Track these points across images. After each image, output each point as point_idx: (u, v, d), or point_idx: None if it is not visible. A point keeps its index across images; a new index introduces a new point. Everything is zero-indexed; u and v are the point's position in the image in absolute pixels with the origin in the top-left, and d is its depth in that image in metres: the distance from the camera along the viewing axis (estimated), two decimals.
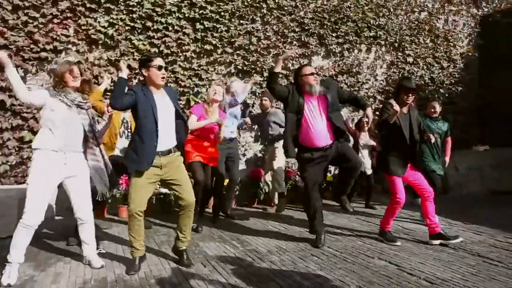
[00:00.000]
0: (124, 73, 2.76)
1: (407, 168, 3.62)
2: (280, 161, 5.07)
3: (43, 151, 2.67)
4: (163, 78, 2.84)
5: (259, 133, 5.56)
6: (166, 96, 2.92)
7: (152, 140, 2.73)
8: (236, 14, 5.81)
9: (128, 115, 3.80)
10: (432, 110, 4.60)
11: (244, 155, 5.92)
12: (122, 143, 3.77)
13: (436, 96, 7.37)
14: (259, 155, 5.94)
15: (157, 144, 2.75)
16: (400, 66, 7.31)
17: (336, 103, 3.49)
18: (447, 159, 4.66)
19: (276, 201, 5.27)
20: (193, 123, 3.87)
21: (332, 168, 6.06)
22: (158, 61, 2.82)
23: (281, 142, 4.93)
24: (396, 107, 3.39)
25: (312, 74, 3.40)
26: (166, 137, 2.82)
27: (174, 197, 3.19)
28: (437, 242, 3.55)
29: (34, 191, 2.61)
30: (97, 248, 3.07)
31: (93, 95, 3.78)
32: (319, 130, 3.39)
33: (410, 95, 3.59)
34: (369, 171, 5.37)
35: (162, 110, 2.80)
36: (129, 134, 3.83)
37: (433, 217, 3.62)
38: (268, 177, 5.34)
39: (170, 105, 2.89)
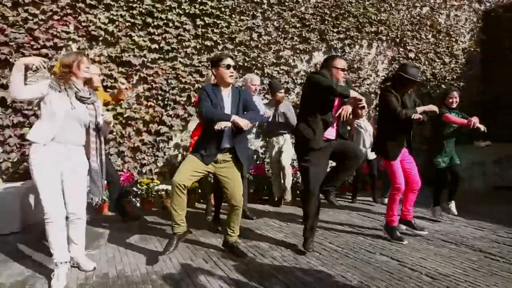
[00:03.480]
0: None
1: (402, 152, 3.63)
2: (289, 155, 4.91)
3: (41, 144, 2.49)
4: (231, 76, 3.00)
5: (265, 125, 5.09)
6: (232, 95, 3.03)
7: (218, 137, 2.91)
8: (237, 10, 5.79)
9: None
10: (452, 100, 4.40)
11: None
12: None
13: (437, 91, 7.35)
14: (260, 151, 5.93)
15: (221, 142, 2.93)
16: (401, 62, 7.28)
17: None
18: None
19: (288, 196, 5.02)
20: None
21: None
22: (227, 61, 2.98)
23: (287, 135, 4.91)
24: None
25: (343, 70, 3.19)
26: (227, 135, 2.95)
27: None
28: (404, 227, 3.78)
29: (44, 186, 2.48)
30: (86, 249, 2.92)
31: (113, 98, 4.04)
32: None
33: (413, 87, 3.56)
34: (372, 156, 5.20)
35: (228, 109, 2.96)
36: None
37: (410, 207, 3.75)
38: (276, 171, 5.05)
39: (235, 105, 3.00)
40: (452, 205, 4.62)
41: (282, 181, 5.00)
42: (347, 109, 3.11)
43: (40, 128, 2.54)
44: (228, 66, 2.96)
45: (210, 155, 2.95)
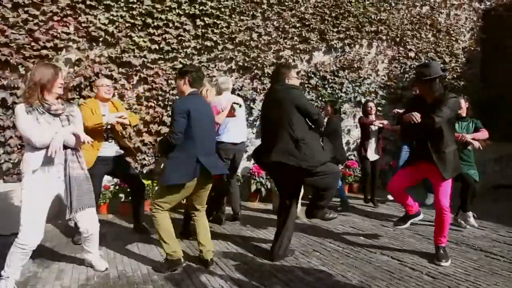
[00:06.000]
0: None
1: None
2: None
3: (33, 173, 2.42)
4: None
5: None
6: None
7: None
8: (237, 10, 5.78)
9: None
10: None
11: (245, 151, 5.91)
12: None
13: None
14: None
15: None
16: (401, 61, 7.27)
17: None
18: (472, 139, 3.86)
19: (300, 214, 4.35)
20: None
21: None
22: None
23: None
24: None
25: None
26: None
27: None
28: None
29: (30, 210, 2.40)
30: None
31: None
32: None
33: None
34: (374, 157, 5.11)
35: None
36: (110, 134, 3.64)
37: (444, 237, 3.10)
38: None
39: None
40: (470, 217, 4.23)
41: None
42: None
43: (30, 157, 2.46)
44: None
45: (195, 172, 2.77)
